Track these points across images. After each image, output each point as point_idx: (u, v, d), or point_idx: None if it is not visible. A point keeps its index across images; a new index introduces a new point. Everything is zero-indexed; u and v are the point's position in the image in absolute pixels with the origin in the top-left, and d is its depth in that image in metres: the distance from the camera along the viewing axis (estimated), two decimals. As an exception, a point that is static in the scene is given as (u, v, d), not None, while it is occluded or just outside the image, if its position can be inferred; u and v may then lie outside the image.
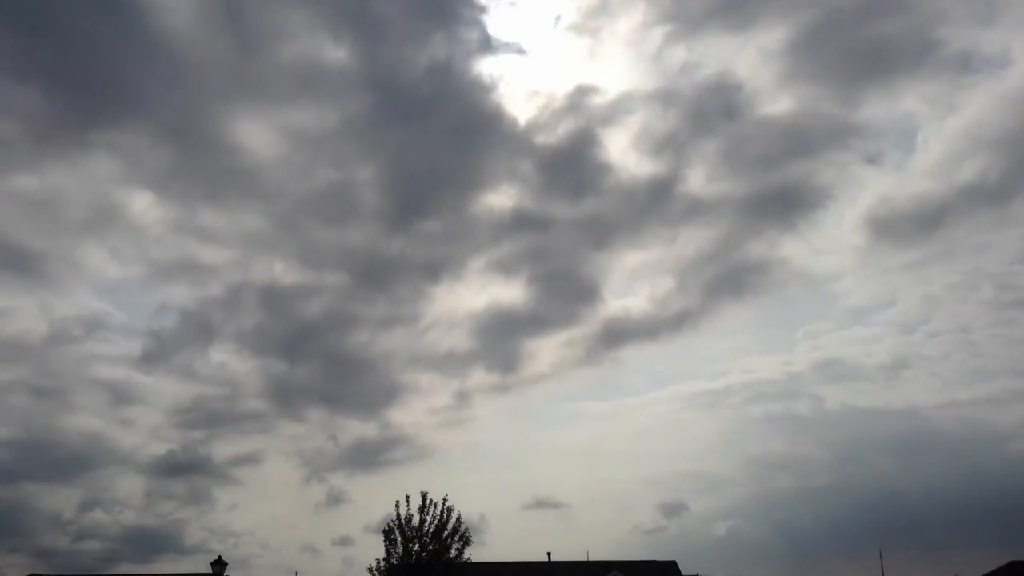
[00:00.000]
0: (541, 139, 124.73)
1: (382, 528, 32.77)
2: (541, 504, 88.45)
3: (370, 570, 31.97)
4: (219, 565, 31.95)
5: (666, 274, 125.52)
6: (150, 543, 74.87)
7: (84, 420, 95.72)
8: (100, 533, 75.28)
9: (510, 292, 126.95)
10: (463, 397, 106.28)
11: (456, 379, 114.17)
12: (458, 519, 32.43)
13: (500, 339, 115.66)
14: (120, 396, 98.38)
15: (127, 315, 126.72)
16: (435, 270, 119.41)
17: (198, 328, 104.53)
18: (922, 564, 69.63)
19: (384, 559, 32.03)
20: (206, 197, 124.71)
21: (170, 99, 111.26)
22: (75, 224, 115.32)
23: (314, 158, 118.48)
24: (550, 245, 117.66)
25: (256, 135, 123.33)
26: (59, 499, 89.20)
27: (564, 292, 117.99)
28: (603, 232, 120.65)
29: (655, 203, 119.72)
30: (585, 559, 53.08)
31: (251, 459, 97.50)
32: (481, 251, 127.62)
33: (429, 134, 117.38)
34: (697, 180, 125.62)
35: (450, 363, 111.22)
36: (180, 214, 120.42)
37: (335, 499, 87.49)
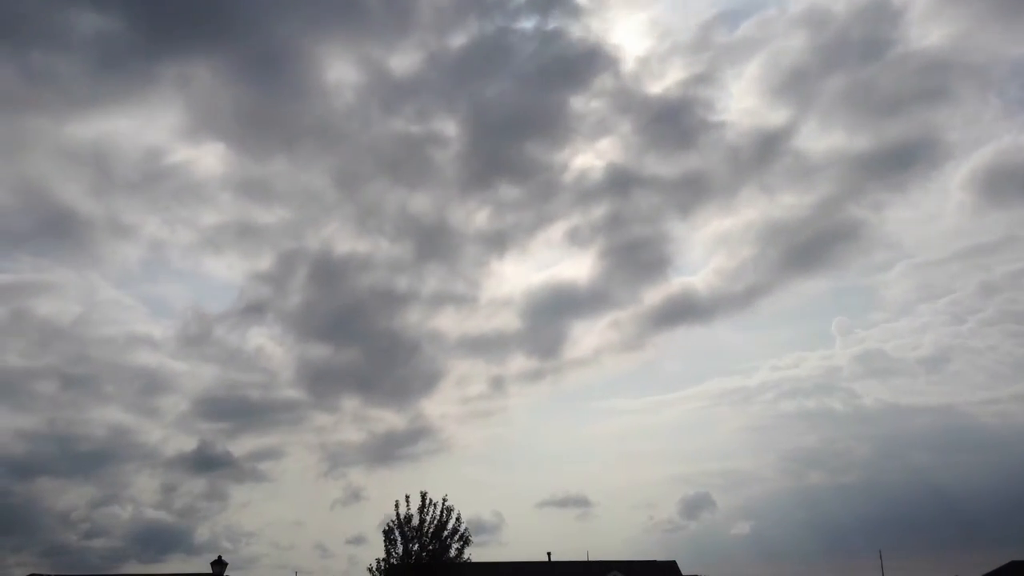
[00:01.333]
0: (649, 84, 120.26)
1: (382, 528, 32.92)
2: (562, 502, 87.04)
3: (370, 570, 32.07)
4: (219, 565, 31.87)
5: (747, 243, 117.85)
6: (160, 542, 74.20)
7: (110, 411, 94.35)
8: (110, 531, 74.87)
9: (576, 266, 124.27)
10: (498, 385, 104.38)
11: (496, 365, 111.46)
12: (458, 519, 32.57)
13: (548, 320, 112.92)
14: (151, 384, 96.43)
15: (171, 290, 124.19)
16: (503, 241, 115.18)
17: (242, 306, 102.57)
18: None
19: (384, 559, 32.10)
20: (276, 148, 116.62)
21: (252, 28, 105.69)
22: (127, 182, 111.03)
23: (393, 104, 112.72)
24: (634, 210, 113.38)
25: (339, 74, 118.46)
26: (73, 495, 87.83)
27: (632, 266, 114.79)
28: (694, 194, 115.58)
29: (761, 159, 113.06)
30: (585, 559, 53.05)
31: (274, 453, 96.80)
32: (557, 219, 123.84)
33: (521, 80, 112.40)
34: (811, 131, 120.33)
35: (493, 346, 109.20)
36: (243, 167, 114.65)
37: (353, 496, 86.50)
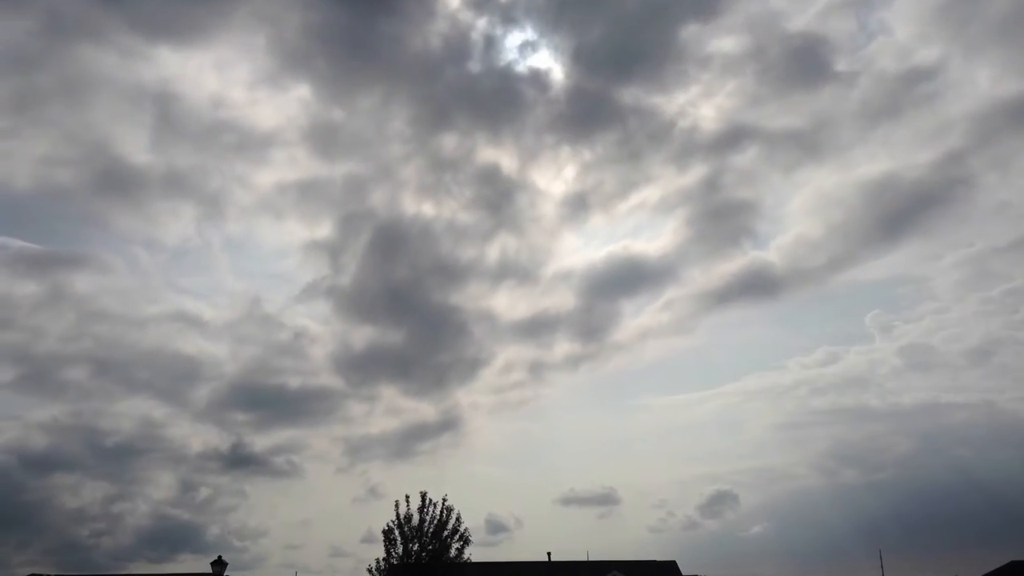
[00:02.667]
0: (782, 20, 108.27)
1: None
2: (584, 500, 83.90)
3: (369, 570, 32.08)
4: (219, 565, 31.85)
5: (845, 204, 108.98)
6: (170, 541, 72.64)
7: (139, 402, 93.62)
8: (121, 529, 73.51)
9: (652, 236, 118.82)
10: (537, 372, 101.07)
11: (542, 348, 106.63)
12: (458, 519, 32.61)
13: (603, 298, 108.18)
14: (187, 371, 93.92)
15: (221, 262, 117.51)
16: (584, 204, 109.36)
17: (294, 281, 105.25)
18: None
19: (384, 559, 32.11)
20: (355, 91, 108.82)
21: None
22: (192, 133, 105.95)
23: (493, 37, 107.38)
24: (738, 167, 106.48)
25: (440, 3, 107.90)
26: (89, 491, 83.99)
27: (712, 237, 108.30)
28: (809, 146, 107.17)
29: (903, 99, 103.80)
30: (585, 559, 53.00)
31: (298, 447, 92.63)
32: (647, 180, 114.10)
33: (633, 14, 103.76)
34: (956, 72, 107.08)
35: (543, 328, 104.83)
36: (314, 116, 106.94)
37: (371, 492, 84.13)
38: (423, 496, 32.38)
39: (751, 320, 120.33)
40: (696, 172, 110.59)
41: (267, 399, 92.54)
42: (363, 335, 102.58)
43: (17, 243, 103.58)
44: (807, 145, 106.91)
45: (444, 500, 32.47)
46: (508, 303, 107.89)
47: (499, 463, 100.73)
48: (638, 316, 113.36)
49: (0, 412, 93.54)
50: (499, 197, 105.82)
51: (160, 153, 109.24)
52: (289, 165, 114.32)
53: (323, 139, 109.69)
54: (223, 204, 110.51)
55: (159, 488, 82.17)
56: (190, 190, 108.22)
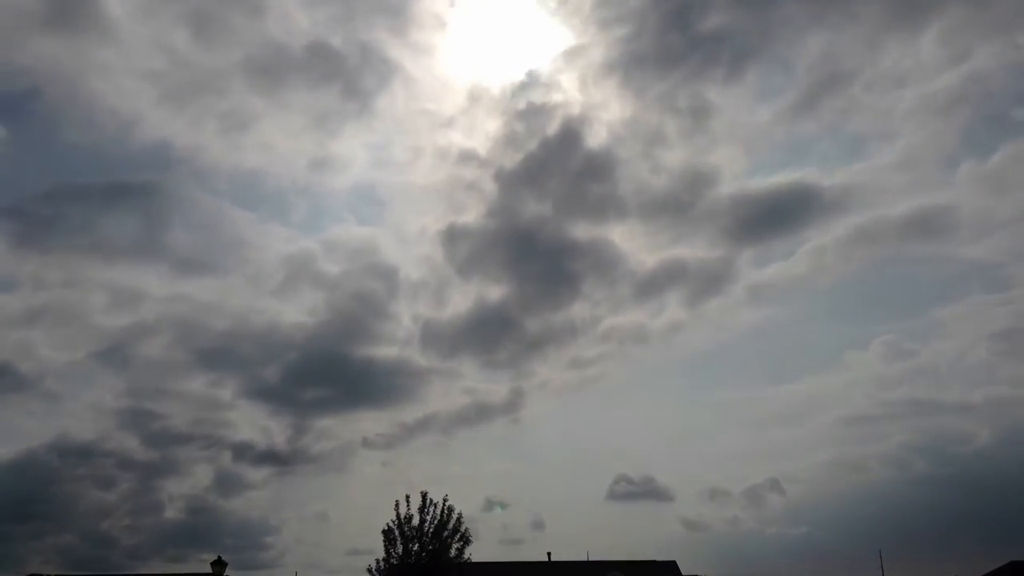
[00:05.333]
0: None
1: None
2: (629, 495, 79.96)
3: (369, 570, 32.07)
4: (219, 565, 31.79)
5: None
6: (191, 539, 70.39)
7: (199, 383, 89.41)
8: (142, 527, 71.21)
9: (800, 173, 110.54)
10: (621, 341, 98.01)
11: (649, 311, 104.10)
12: (458, 519, 32.55)
13: (754, 236, 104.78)
14: (265, 347, 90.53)
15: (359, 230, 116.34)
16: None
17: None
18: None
19: (384, 559, 32.08)
20: None
21: None
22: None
23: None
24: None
25: None
26: (122, 484, 79.59)
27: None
28: None
29: None
30: (585, 559, 53.00)
31: (353, 434, 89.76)
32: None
33: None
34: None
35: (651, 288, 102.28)
36: None
37: (409, 484, 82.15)
38: (423, 496, 32.39)
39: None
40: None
41: (338, 376, 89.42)
42: (476, 292, 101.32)
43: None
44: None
45: (445, 500, 32.52)
46: (652, 243, 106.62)
47: (544, 452, 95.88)
48: (766, 266, 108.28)
49: (65, 391, 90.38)
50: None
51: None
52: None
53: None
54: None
55: (193, 484, 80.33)
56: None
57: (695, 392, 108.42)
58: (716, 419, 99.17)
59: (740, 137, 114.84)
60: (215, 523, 74.06)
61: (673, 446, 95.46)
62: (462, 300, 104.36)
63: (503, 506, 69.15)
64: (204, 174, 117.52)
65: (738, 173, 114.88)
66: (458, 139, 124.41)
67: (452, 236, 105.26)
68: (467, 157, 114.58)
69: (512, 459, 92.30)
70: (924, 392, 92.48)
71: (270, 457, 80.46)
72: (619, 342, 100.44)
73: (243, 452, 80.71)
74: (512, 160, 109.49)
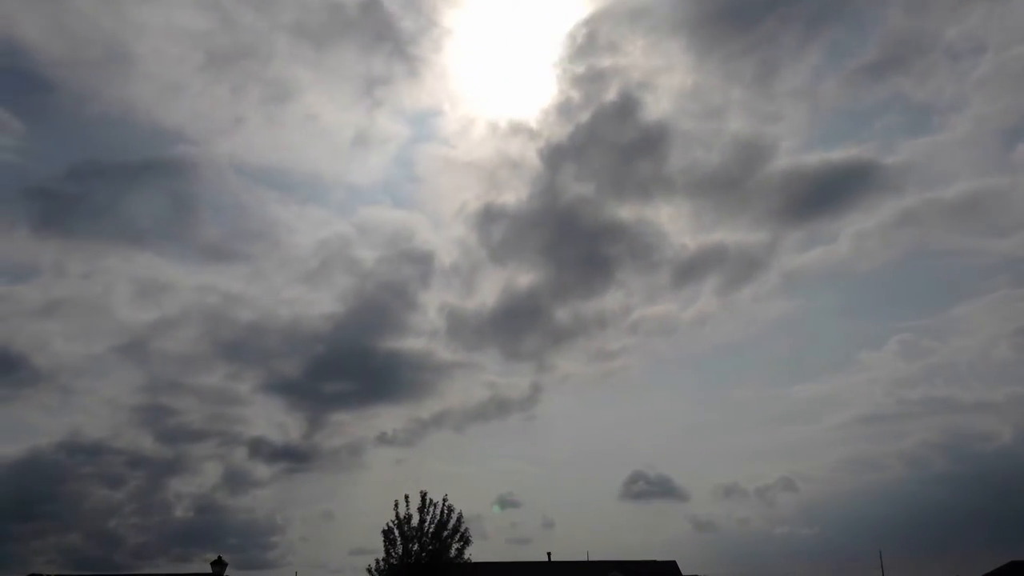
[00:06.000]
0: None
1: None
2: (642, 494, 79.29)
3: (369, 570, 31.99)
4: (219, 565, 31.80)
5: None
6: (198, 538, 70.46)
7: (215, 377, 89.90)
8: (148, 526, 71.68)
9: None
10: (646, 334, 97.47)
11: (684, 297, 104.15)
12: (459, 519, 32.48)
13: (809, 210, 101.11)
14: (289, 338, 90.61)
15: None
16: None
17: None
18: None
19: (383, 559, 32.01)
20: None
21: None
22: None
23: None
24: None
25: None
26: (128, 484, 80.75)
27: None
28: None
29: None
30: (585, 559, 52.96)
31: (366, 432, 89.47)
32: None
33: None
34: None
35: (688, 274, 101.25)
36: None
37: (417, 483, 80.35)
38: (423, 496, 32.29)
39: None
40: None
41: (358, 369, 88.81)
42: (504, 280, 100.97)
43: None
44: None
45: (444, 500, 32.42)
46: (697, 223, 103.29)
47: (560, 451, 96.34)
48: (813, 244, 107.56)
49: (81, 386, 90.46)
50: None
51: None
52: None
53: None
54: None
55: (202, 483, 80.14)
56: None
57: (716, 387, 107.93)
58: (735, 416, 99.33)
59: (803, 107, 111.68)
60: (222, 522, 74.47)
61: (689, 443, 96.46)
62: (492, 287, 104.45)
63: (501, 506, 68.87)
64: (239, 151, 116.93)
65: (796, 147, 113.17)
66: (509, 109, 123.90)
67: (489, 217, 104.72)
68: (516, 129, 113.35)
69: (526, 456, 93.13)
70: (943, 390, 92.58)
71: (282, 454, 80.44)
72: (645, 334, 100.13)
73: (255, 449, 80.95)
74: (562, 132, 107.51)
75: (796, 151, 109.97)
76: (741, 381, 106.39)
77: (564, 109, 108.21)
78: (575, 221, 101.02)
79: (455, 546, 32.14)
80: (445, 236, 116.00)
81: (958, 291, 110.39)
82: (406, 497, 32.31)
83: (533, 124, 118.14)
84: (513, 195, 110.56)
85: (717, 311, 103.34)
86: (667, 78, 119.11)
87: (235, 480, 79.11)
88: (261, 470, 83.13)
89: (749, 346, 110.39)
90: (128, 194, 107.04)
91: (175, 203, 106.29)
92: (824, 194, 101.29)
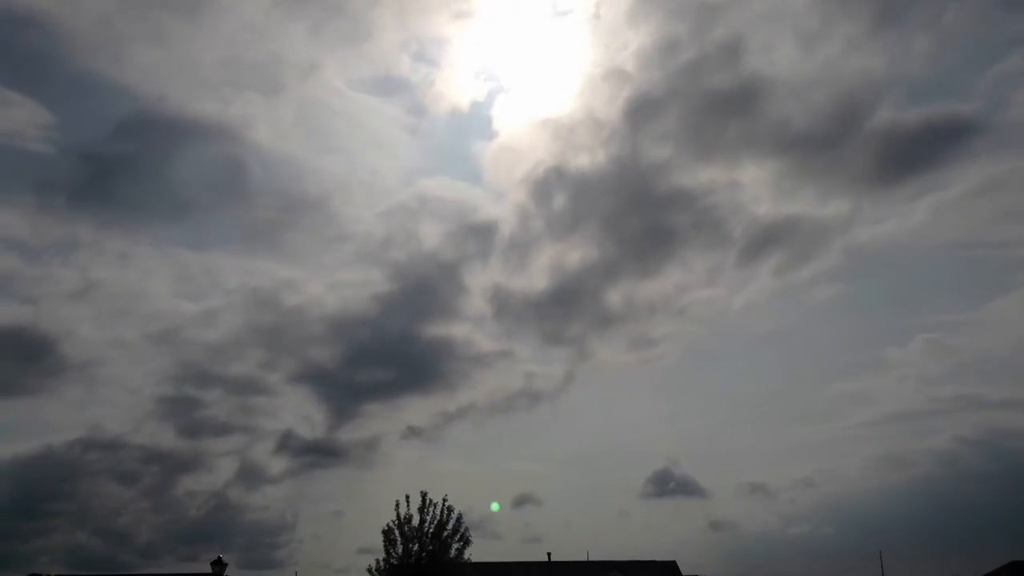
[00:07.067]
0: None
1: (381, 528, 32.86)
2: (664, 492, 77.15)
3: (369, 570, 32.06)
4: (219, 565, 31.76)
5: None
6: (207, 537, 68.94)
7: (247, 365, 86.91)
8: (158, 524, 70.62)
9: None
10: (683, 314, 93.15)
11: (731, 279, 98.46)
12: (458, 519, 32.54)
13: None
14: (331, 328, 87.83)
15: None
16: None
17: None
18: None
19: (384, 559, 32.06)
20: None
21: None
22: None
23: None
24: None
25: None
26: (140, 481, 78.83)
27: None
28: None
29: None
30: (585, 559, 52.95)
31: (387, 432, 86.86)
32: None
33: None
34: None
35: (751, 250, 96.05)
36: None
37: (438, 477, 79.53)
38: (423, 496, 32.37)
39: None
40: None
41: (397, 358, 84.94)
42: (556, 253, 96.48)
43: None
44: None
45: (444, 500, 32.50)
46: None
47: (584, 446, 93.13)
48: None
49: (107, 376, 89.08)
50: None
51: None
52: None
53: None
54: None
55: (214, 480, 78.96)
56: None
57: (752, 379, 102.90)
58: (768, 411, 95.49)
59: (920, 49, 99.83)
60: (232, 520, 73.19)
61: (718, 439, 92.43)
62: (546, 264, 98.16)
63: (514, 504, 68.45)
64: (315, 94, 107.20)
65: (899, 99, 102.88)
66: (602, 50, 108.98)
67: (555, 184, 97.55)
68: (609, 74, 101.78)
69: (549, 453, 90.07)
70: (973, 387, 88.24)
71: (303, 449, 78.10)
72: (690, 320, 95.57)
73: (275, 444, 79.14)
74: (655, 77, 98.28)
75: (897, 104, 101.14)
76: (778, 374, 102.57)
77: (667, 48, 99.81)
78: (647, 187, 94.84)
79: (455, 546, 32.20)
80: (505, 205, 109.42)
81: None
82: (407, 497, 32.44)
83: (629, 67, 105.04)
84: (587, 157, 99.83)
85: (767, 297, 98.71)
86: (777, 22, 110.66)
87: (249, 477, 77.78)
88: (277, 467, 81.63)
89: (791, 336, 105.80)
90: (172, 160, 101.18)
91: (226, 168, 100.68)
92: (917, 155, 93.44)
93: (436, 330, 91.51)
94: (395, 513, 32.33)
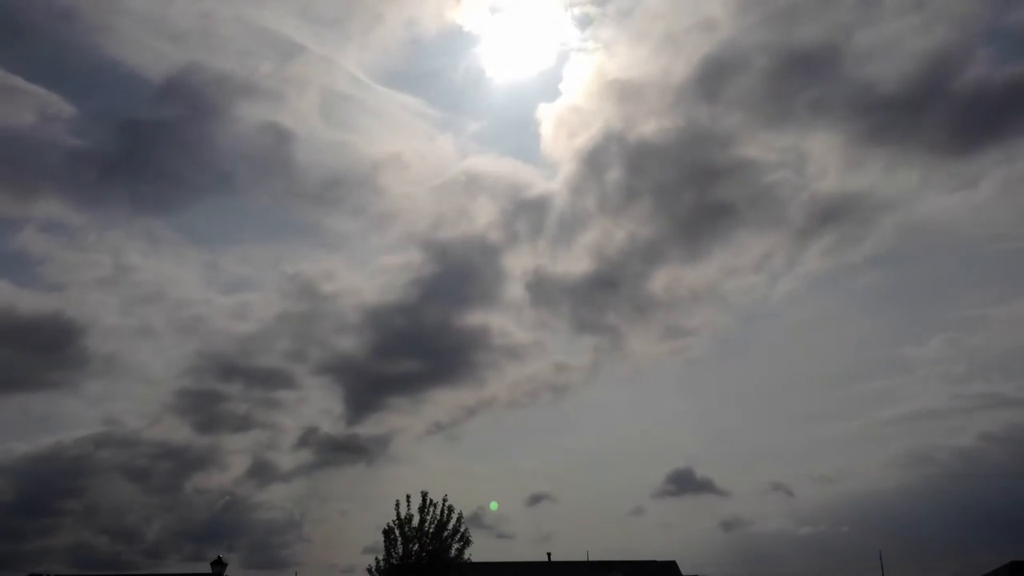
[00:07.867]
0: None
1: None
2: (678, 489, 76.17)
3: (369, 570, 32.06)
4: (219, 565, 31.74)
5: None
6: (214, 536, 69.03)
7: (269, 359, 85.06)
8: (167, 524, 70.34)
9: None
10: (721, 302, 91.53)
11: (776, 264, 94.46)
12: (459, 519, 32.53)
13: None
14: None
15: None
16: None
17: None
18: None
19: (384, 559, 32.05)
20: None
21: None
22: None
23: None
24: None
25: None
26: (151, 480, 79.18)
27: None
28: None
29: None
30: (585, 559, 52.95)
31: (408, 427, 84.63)
32: None
33: None
34: None
35: (805, 232, 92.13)
36: None
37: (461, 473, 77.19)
38: (424, 496, 32.36)
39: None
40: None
41: (425, 348, 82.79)
42: (604, 230, 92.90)
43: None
44: None
45: (444, 500, 32.50)
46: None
47: (603, 443, 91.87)
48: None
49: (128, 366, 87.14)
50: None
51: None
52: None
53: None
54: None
55: (224, 478, 78.12)
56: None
57: (780, 372, 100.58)
58: (793, 408, 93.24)
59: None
60: (241, 519, 73.22)
61: (740, 437, 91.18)
62: (590, 243, 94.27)
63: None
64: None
65: (988, 57, 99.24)
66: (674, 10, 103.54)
67: (613, 154, 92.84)
68: (670, 39, 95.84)
69: (568, 449, 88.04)
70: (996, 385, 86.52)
71: (319, 446, 77.32)
72: (727, 310, 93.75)
73: (292, 441, 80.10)
74: (725, 34, 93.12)
75: (984, 64, 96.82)
76: (808, 368, 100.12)
77: (740, 5, 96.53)
78: (709, 158, 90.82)
79: (455, 546, 32.20)
80: (557, 177, 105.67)
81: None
82: (407, 497, 32.43)
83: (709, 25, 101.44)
84: (649, 126, 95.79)
85: (809, 284, 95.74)
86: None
87: (261, 474, 77.26)
88: (289, 464, 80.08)
89: (825, 327, 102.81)
90: (210, 136, 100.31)
91: (269, 143, 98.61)
92: (994, 123, 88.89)
93: (472, 319, 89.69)
94: (395, 513, 32.33)
